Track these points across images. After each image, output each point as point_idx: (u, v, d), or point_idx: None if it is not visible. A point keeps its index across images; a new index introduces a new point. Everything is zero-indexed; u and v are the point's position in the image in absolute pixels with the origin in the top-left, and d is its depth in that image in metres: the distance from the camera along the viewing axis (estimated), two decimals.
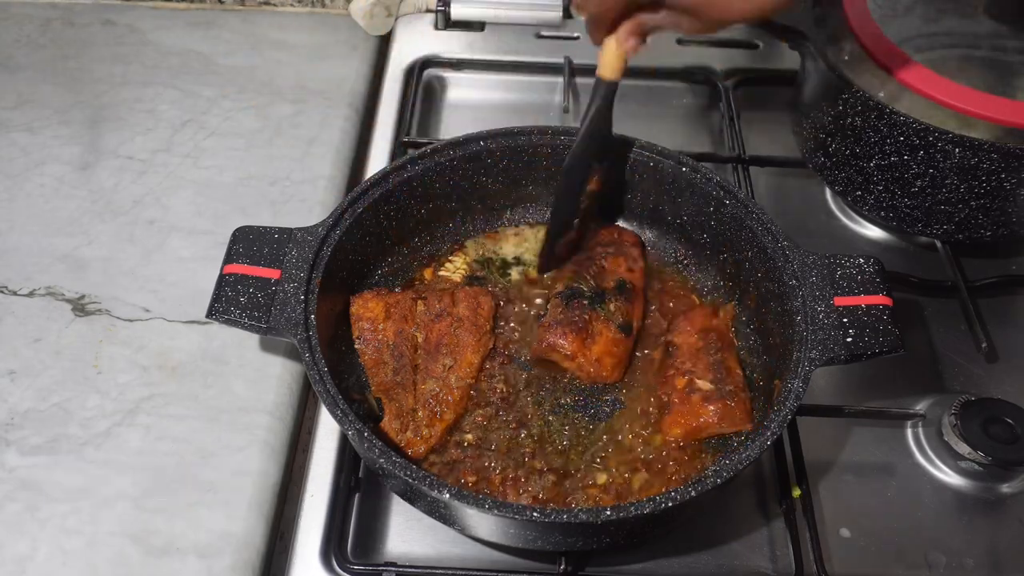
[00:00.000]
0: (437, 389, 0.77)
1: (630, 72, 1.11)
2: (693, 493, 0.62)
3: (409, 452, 0.74)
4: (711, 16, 0.67)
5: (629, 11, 0.71)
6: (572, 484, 0.73)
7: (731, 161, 1.00)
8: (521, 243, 0.90)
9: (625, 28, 0.72)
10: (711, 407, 0.74)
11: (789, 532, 0.73)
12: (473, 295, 0.83)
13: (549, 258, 0.86)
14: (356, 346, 0.80)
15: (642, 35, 0.72)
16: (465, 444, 0.75)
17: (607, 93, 0.77)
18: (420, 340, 0.80)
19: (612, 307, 0.80)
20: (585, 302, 0.80)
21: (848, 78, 0.86)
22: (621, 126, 0.88)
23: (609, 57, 0.74)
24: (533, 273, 0.88)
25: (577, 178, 0.82)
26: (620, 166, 0.85)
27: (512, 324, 0.84)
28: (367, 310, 0.80)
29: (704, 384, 0.76)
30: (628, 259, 0.85)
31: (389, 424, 0.76)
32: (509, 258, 0.89)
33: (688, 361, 0.78)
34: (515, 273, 0.88)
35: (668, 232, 0.89)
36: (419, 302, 0.82)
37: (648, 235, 0.90)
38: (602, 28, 0.72)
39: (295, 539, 0.73)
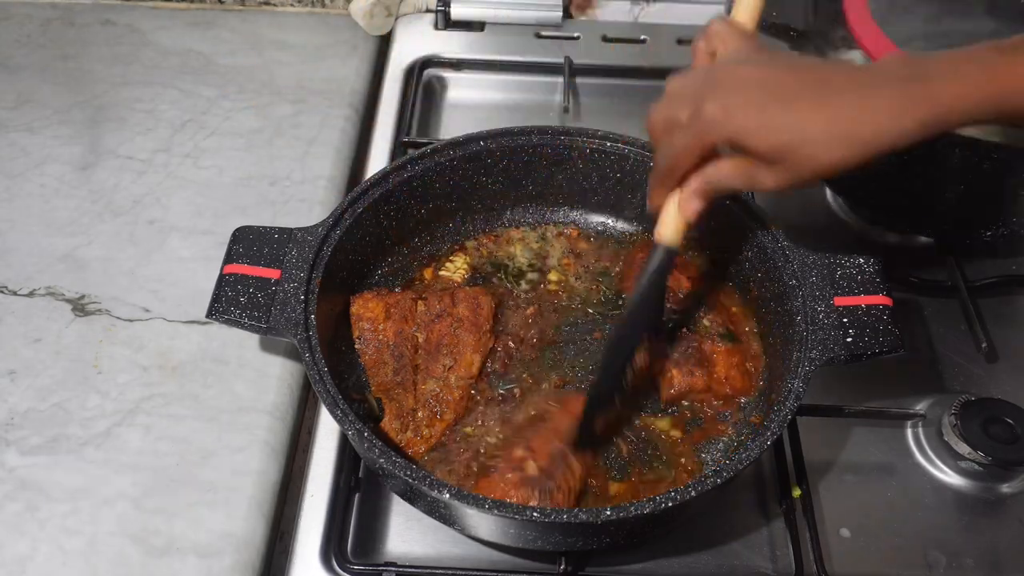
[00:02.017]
0: (437, 389, 0.77)
1: (630, 72, 1.13)
2: (693, 493, 0.62)
3: (409, 452, 0.75)
4: (794, 165, 0.59)
5: (700, 163, 0.64)
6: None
7: None
8: (527, 247, 0.90)
9: (691, 187, 0.65)
10: (517, 494, 0.68)
11: (789, 532, 0.73)
12: (473, 295, 0.82)
13: (586, 437, 0.73)
14: (356, 346, 0.80)
15: (709, 198, 0.65)
16: (465, 442, 0.75)
17: (665, 259, 0.69)
18: (421, 340, 0.80)
19: (707, 321, 0.80)
20: (684, 330, 0.78)
21: None
22: (621, 126, 0.89)
23: (670, 221, 0.67)
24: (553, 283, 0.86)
25: (626, 350, 0.74)
26: (662, 343, 0.79)
27: (513, 324, 0.83)
28: (367, 310, 0.80)
29: (531, 468, 0.70)
30: (683, 268, 0.84)
31: (389, 424, 0.76)
32: (524, 265, 0.89)
33: (539, 440, 0.72)
34: (524, 283, 0.87)
35: None
36: (419, 302, 0.81)
37: (648, 236, 0.90)
38: (667, 184, 0.66)
39: (295, 539, 0.73)
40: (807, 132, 0.58)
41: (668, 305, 0.80)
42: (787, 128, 0.58)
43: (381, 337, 0.79)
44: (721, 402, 0.78)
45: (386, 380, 0.78)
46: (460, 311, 0.81)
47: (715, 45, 0.66)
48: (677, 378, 0.77)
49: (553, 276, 0.88)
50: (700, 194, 0.65)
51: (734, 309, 0.83)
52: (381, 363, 0.79)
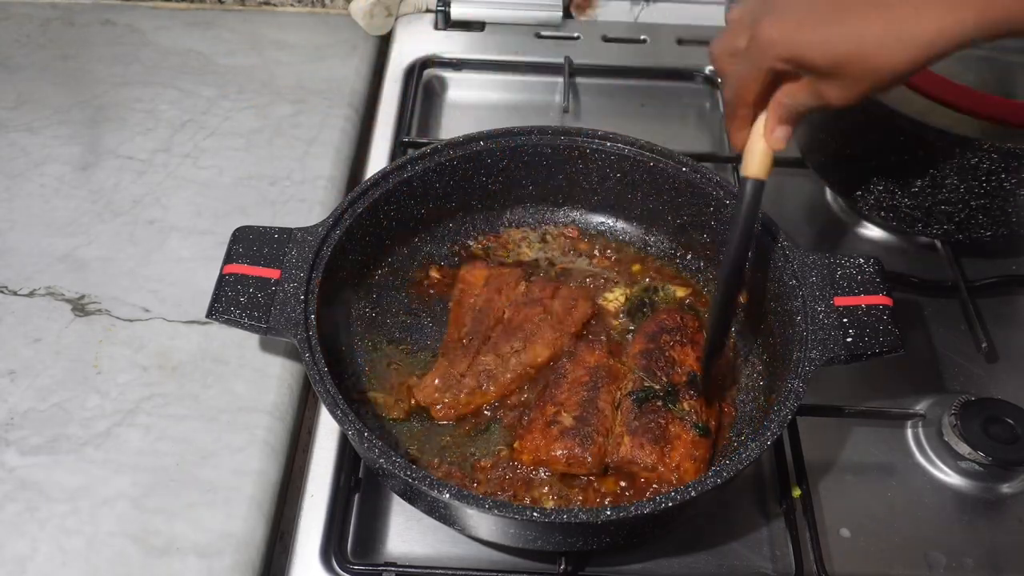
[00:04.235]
0: (492, 366, 0.78)
1: (630, 72, 1.13)
2: (693, 493, 0.62)
3: (439, 413, 0.76)
4: (856, 74, 0.58)
5: (769, 89, 0.63)
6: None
7: (731, 161, 1.00)
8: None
9: (771, 118, 0.65)
10: (560, 446, 0.72)
11: (789, 532, 0.73)
12: (573, 295, 0.83)
13: (708, 385, 0.76)
14: (450, 304, 0.84)
15: (789, 122, 0.65)
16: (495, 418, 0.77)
17: (755, 193, 0.68)
18: (506, 316, 0.82)
19: (687, 405, 0.74)
20: (659, 403, 0.74)
21: None
22: (622, 126, 0.89)
23: (757, 155, 0.66)
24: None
25: (736, 286, 0.72)
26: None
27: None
28: (471, 275, 0.85)
29: (567, 419, 0.73)
30: (696, 347, 0.78)
31: (430, 380, 0.77)
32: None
33: (565, 392, 0.76)
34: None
35: (668, 232, 0.89)
36: (523, 282, 0.84)
37: (648, 235, 0.90)
38: (742, 115, 0.66)
39: (295, 539, 0.73)
40: (864, 40, 0.57)
41: (659, 375, 0.76)
42: (843, 39, 0.57)
43: (472, 300, 0.83)
44: (657, 485, 0.72)
45: (454, 340, 0.80)
46: (554, 305, 0.82)
47: None
48: (626, 446, 0.72)
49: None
50: (780, 119, 0.65)
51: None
52: (460, 324, 0.82)
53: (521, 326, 0.81)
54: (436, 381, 0.78)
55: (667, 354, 0.77)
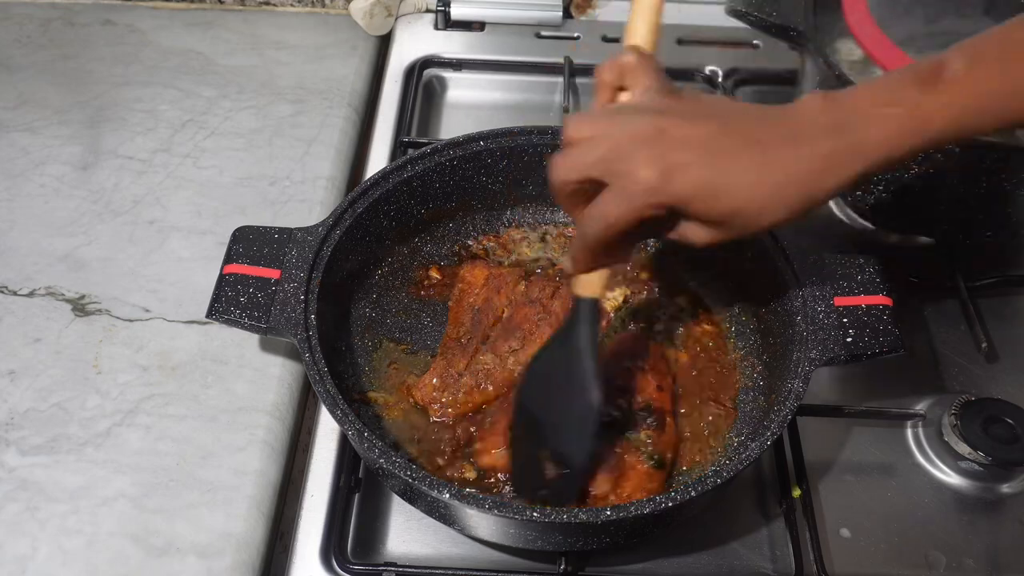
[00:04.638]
0: (491, 365, 0.78)
1: None
2: (693, 493, 0.62)
3: (436, 412, 0.76)
4: (739, 227, 0.57)
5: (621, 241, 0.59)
6: None
7: None
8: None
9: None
10: None
11: (789, 532, 0.73)
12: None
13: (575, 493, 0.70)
14: (449, 303, 0.84)
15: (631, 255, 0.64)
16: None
17: (593, 310, 0.65)
18: (504, 316, 0.82)
19: (642, 435, 0.72)
20: (614, 433, 0.71)
21: (848, 78, 0.86)
22: None
23: (592, 278, 0.64)
24: None
25: (591, 418, 0.67)
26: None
27: None
28: (471, 275, 0.85)
29: None
30: (657, 375, 0.76)
31: (428, 379, 0.77)
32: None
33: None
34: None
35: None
36: (523, 282, 0.84)
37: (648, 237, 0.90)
38: (598, 252, 0.60)
39: (295, 539, 0.73)
40: (753, 198, 0.56)
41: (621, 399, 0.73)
42: (733, 194, 0.55)
43: (471, 300, 0.83)
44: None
45: (452, 339, 0.80)
46: (554, 305, 0.82)
47: (626, 81, 0.59)
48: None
49: None
50: (622, 254, 0.63)
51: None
52: (459, 323, 0.82)
53: (520, 326, 0.81)
54: (434, 380, 0.78)
55: (625, 382, 0.75)
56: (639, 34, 0.61)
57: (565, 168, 0.57)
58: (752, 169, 0.55)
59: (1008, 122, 0.56)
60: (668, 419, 0.74)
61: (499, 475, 0.73)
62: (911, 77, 0.56)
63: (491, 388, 0.77)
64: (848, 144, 0.56)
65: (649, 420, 0.73)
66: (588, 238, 0.58)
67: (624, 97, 0.60)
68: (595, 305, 0.65)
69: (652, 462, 0.71)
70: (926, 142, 0.56)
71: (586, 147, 0.56)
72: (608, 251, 0.60)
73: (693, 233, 0.58)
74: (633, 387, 0.75)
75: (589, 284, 0.64)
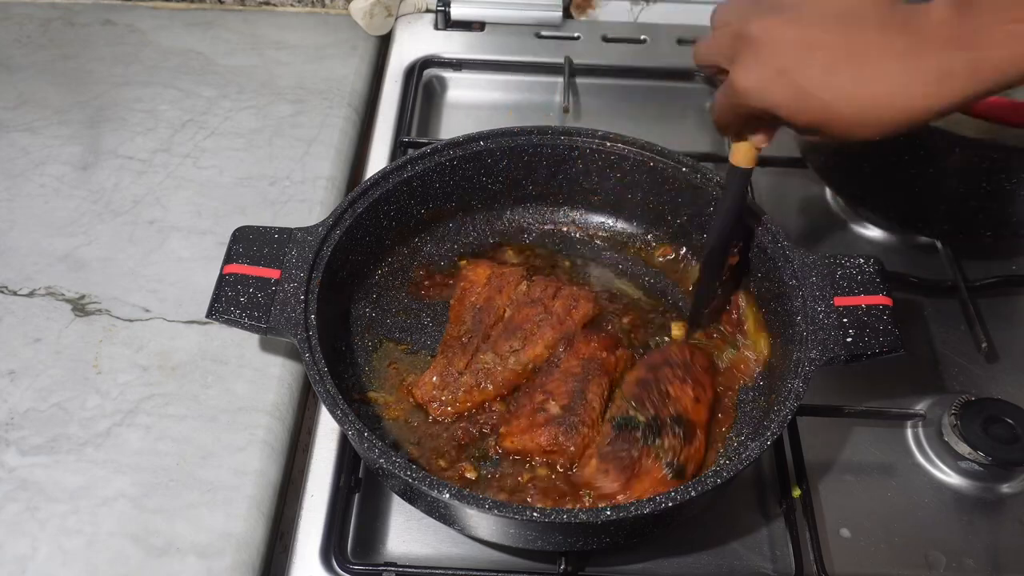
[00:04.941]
0: (491, 364, 0.78)
1: (630, 72, 1.13)
2: (693, 493, 0.62)
3: (436, 411, 0.76)
4: (832, 133, 0.58)
5: (754, 120, 0.64)
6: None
7: None
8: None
9: (754, 125, 0.67)
10: (544, 433, 0.73)
11: (789, 532, 0.73)
12: (575, 297, 0.83)
13: (695, 325, 0.83)
14: (451, 302, 0.84)
15: (773, 131, 0.67)
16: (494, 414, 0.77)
17: (742, 179, 0.72)
18: (506, 315, 0.82)
19: (666, 443, 0.72)
20: (638, 435, 0.72)
21: None
22: (621, 126, 0.89)
23: (743, 149, 0.70)
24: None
25: (719, 257, 0.78)
26: (750, 240, 0.81)
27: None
28: (473, 273, 0.85)
29: (554, 408, 0.75)
30: (697, 387, 0.76)
31: (428, 378, 0.77)
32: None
33: (556, 381, 0.77)
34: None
35: (668, 232, 0.89)
36: (525, 282, 0.84)
37: (648, 235, 0.90)
38: (729, 127, 0.67)
39: (295, 539, 0.73)
40: (841, 111, 0.56)
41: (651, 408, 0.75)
42: (820, 107, 0.56)
43: (472, 299, 0.83)
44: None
45: (453, 337, 0.80)
46: (555, 305, 0.82)
47: None
48: (591, 467, 0.72)
49: None
50: (765, 132, 0.67)
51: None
52: (460, 322, 0.82)
53: (521, 326, 0.81)
54: (434, 378, 0.78)
55: (663, 387, 0.75)
56: None
57: (698, 53, 0.65)
58: (847, 83, 0.55)
59: None
60: (698, 432, 0.74)
61: (529, 458, 0.74)
62: None
63: (491, 387, 0.77)
64: (965, 62, 0.52)
65: (677, 429, 0.73)
66: (715, 115, 0.65)
67: None
68: (742, 173, 0.71)
69: (670, 469, 0.71)
70: None
71: (712, 37, 0.62)
72: (744, 125, 0.66)
73: (803, 132, 0.60)
74: (668, 395, 0.75)
75: (739, 154, 0.70)
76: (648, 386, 0.75)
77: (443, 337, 0.82)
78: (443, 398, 0.77)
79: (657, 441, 0.72)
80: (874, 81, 0.55)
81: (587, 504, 0.71)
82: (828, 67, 0.55)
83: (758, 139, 0.68)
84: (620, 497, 0.70)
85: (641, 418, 0.73)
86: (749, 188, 0.75)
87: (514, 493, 0.72)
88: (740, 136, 0.68)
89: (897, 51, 0.54)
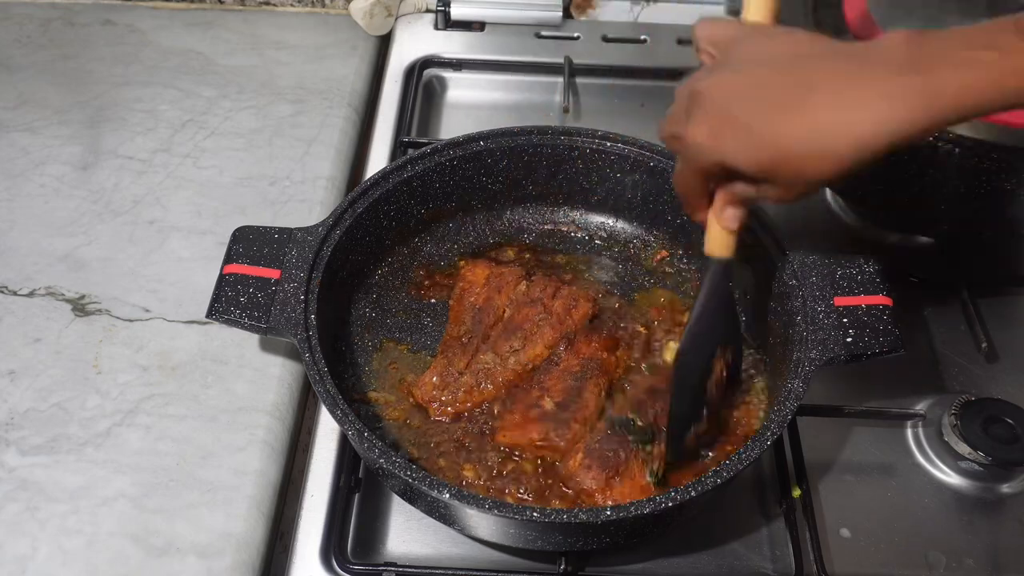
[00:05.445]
0: (491, 364, 0.78)
1: (630, 72, 1.13)
2: (693, 493, 0.62)
3: (436, 411, 0.76)
4: (787, 180, 0.55)
5: (719, 184, 0.62)
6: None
7: None
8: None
9: (719, 201, 0.63)
10: (537, 428, 0.73)
11: (789, 532, 0.73)
12: (574, 296, 0.83)
13: (678, 452, 0.72)
14: (450, 302, 0.84)
15: (740, 207, 0.63)
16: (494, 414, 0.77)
17: (719, 273, 0.68)
18: (505, 315, 0.82)
19: (655, 451, 0.72)
20: (630, 437, 0.72)
21: None
22: (621, 126, 0.89)
23: (715, 235, 0.66)
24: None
25: (695, 369, 0.70)
26: (739, 353, 0.75)
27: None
28: (472, 274, 0.85)
29: (548, 404, 0.75)
30: (712, 415, 0.74)
31: (428, 378, 0.78)
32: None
33: (553, 378, 0.77)
34: None
35: (668, 232, 0.89)
36: (524, 282, 0.84)
37: (648, 235, 0.90)
38: (693, 203, 0.65)
39: (295, 539, 0.73)
40: (791, 145, 0.53)
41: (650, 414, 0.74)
42: (771, 144, 0.54)
43: (472, 299, 0.83)
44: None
45: (453, 337, 0.81)
46: (555, 305, 0.82)
47: (706, 46, 0.62)
48: (575, 461, 0.71)
49: None
50: (728, 203, 0.63)
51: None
52: (460, 322, 0.82)
53: (521, 326, 0.81)
54: (434, 378, 0.78)
55: (665, 399, 0.74)
56: (751, 9, 0.63)
57: (661, 129, 0.62)
58: (793, 116, 0.52)
59: None
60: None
61: (522, 453, 0.74)
62: (1014, 24, 0.49)
63: (491, 388, 0.77)
64: (919, 85, 0.50)
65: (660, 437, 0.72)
66: (677, 188, 0.64)
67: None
68: (722, 263, 0.67)
69: (653, 478, 0.71)
70: (1014, 95, 0.49)
71: (671, 110, 0.61)
72: (705, 193, 0.64)
73: (763, 190, 0.58)
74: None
75: (714, 245, 0.67)
76: (658, 396, 0.75)
77: (443, 337, 0.82)
78: (443, 398, 0.77)
79: (647, 448, 0.72)
80: (823, 107, 0.52)
81: (569, 499, 0.71)
82: (776, 103, 0.53)
83: (727, 217, 0.64)
84: (598, 496, 0.70)
85: (639, 422, 0.74)
86: (732, 284, 0.70)
87: (494, 479, 0.72)
88: (707, 211, 0.65)
89: (843, 78, 0.52)
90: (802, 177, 0.54)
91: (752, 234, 0.79)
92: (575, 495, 0.71)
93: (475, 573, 0.71)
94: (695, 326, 0.70)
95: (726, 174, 0.58)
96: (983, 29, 0.50)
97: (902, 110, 0.50)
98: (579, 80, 1.12)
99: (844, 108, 0.52)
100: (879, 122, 0.51)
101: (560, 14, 1.18)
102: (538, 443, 0.73)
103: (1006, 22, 0.50)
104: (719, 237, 0.66)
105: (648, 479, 0.71)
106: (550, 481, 0.72)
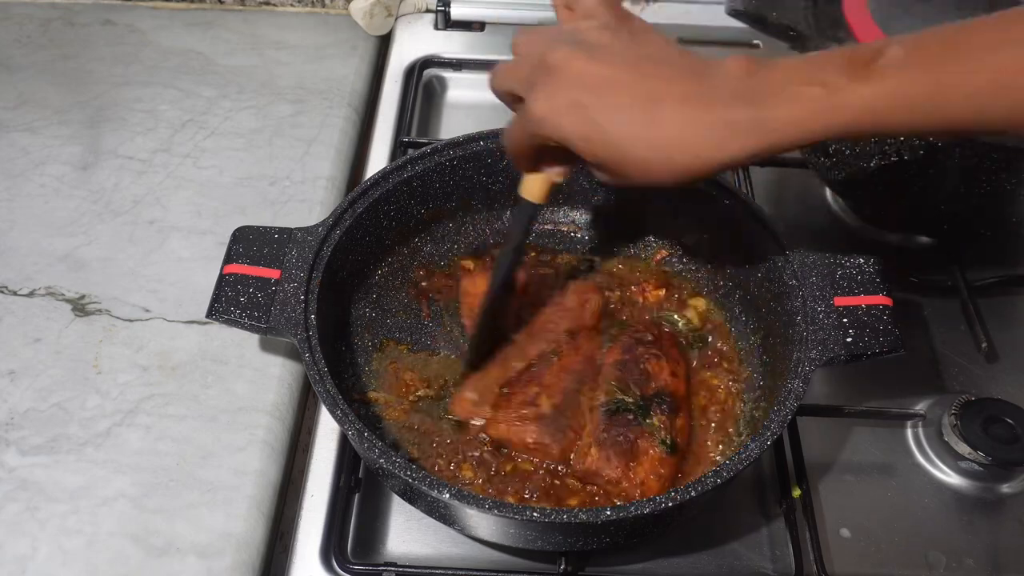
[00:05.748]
0: (536, 371, 0.77)
1: None
2: (693, 493, 0.62)
3: (476, 423, 0.76)
4: (621, 177, 0.57)
5: (549, 152, 0.63)
6: None
7: None
8: None
9: (549, 159, 0.65)
10: (532, 430, 0.73)
11: (789, 532, 0.73)
12: (583, 289, 0.83)
13: (472, 363, 0.79)
14: (463, 320, 0.83)
15: (570, 165, 0.65)
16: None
17: (530, 214, 0.70)
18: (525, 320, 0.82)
19: (656, 420, 0.72)
20: (630, 416, 0.73)
21: None
22: None
23: (536, 182, 0.67)
24: None
25: (502, 298, 0.77)
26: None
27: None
28: (472, 287, 0.84)
29: (545, 405, 0.75)
30: (671, 361, 0.77)
31: (465, 394, 0.77)
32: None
33: (552, 376, 0.77)
34: None
35: (667, 232, 0.89)
36: (528, 283, 0.84)
37: (648, 235, 0.90)
38: (526, 163, 0.66)
39: (295, 539, 0.73)
40: (628, 152, 0.55)
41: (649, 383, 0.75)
42: (612, 144, 0.55)
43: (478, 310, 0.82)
44: (621, 500, 0.70)
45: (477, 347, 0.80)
46: (566, 300, 0.82)
47: (570, 3, 0.62)
48: (592, 457, 0.71)
49: None
50: (561, 164, 0.65)
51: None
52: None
53: (544, 327, 0.81)
54: (471, 395, 0.77)
55: (641, 367, 0.76)
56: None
57: (494, 78, 0.63)
58: (639, 123, 0.55)
59: (933, 127, 0.52)
60: (682, 404, 0.75)
61: (511, 450, 0.74)
62: (843, 59, 0.52)
63: (545, 400, 0.76)
64: (752, 118, 0.53)
65: (663, 405, 0.73)
66: (508, 141, 0.63)
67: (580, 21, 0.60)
68: (531, 207, 0.69)
69: (665, 447, 0.71)
70: (838, 130, 0.52)
71: (512, 64, 0.61)
72: (537, 157, 0.64)
73: (596, 171, 0.59)
74: (648, 374, 0.75)
75: (530, 187, 0.68)
76: (628, 367, 0.76)
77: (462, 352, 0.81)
78: (489, 413, 0.76)
79: (648, 420, 0.72)
80: (663, 124, 0.54)
81: (581, 494, 0.71)
82: (622, 106, 0.55)
83: (554, 172, 0.65)
84: (624, 483, 0.70)
85: (629, 400, 0.74)
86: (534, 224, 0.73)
87: (493, 479, 0.72)
88: (533, 168, 0.66)
89: (688, 98, 0.55)
90: (636, 179, 0.57)
91: (752, 234, 0.79)
92: (597, 489, 0.71)
93: (475, 573, 0.71)
94: (505, 263, 0.74)
95: (562, 150, 0.59)
96: (815, 62, 0.53)
97: (740, 138, 0.54)
98: None
99: (688, 126, 0.54)
100: (717, 147, 0.54)
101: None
102: (532, 446, 0.73)
103: (839, 54, 0.53)
104: (540, 184, 0.67)
105: (660, 449, 0.71)
106: (557, 482, 0.72)
